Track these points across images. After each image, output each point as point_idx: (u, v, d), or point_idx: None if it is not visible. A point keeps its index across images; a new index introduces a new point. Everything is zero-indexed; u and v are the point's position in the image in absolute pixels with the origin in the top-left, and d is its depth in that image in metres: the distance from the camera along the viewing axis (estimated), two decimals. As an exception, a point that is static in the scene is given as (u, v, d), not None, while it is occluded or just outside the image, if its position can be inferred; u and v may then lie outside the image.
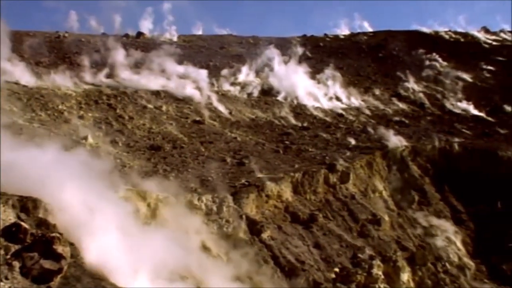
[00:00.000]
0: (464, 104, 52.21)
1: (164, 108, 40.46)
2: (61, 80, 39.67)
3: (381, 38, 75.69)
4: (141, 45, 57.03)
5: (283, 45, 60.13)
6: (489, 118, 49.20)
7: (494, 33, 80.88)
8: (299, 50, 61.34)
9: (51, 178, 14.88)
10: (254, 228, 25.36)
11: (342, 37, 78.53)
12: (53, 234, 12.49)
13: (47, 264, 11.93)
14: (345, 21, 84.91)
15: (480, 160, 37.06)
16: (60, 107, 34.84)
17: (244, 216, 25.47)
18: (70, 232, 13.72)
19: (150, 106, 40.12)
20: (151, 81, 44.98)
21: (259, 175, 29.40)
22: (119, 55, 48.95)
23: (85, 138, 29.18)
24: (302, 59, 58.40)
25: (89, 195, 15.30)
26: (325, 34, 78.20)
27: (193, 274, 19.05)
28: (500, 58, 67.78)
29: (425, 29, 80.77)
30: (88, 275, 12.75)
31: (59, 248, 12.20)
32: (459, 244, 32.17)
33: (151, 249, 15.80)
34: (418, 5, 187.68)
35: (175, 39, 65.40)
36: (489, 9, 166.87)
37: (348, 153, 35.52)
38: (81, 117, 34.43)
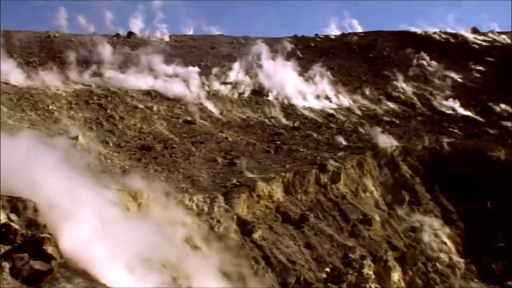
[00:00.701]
0: (454, 104, 52.45)
1: (155, 108, 40.37)
2: (51, 80, 39.46)
3: (371, 39, 75.94)
4: (132, 45, 56.83)
5: (274, 45, 60.13)
6: (479, 118, 49.48)
7: (483, 34, 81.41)
8: (290, 50, 61.41)
9: (40, 178, 14.81)
10: (245, 228, 25.37)
11: (333, 37, 78.67)
12: (43, 235, 12.46)
13: (37, 264, 11.89)
14: (335, 19, 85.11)
15: (470, 160, 37.25)
16: (50, 107, 34.66)
17: (235, 216, 25.47)
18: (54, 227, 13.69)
19: (141, 106, 40.02)
20: (141, 81, 44.88)
21: (250, 175, 29.40)
22: (109, 55, 48.80)
23: (76, 138, 29.06)
24: (293, 59, 58.47)
25: (78, 194, 15.26)
26: (316, 35, 78.33)
27: (173, 265, 19.02)
28: (490, 59, 68.20)
29: (416, 30, 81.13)
30: (78, 275, 12.70)
31: (49, 249, 12.16)
32: (449, 243, 32.31)
33: (131, 239, 15.74)
34: (406, 4, 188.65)
35: (166, 39, 65.24)
36: (476, 8, 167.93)
37: (339, 153, 35.60)
38: (71, 117, 34.26)
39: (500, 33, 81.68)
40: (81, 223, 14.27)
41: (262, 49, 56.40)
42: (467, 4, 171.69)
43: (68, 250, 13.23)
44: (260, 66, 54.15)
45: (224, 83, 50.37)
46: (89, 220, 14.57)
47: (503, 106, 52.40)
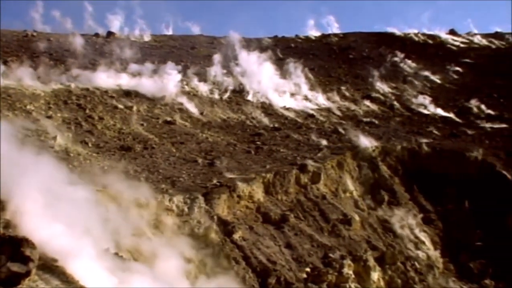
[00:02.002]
0: (432, 105, 52.98)
1: (134, 108, 40.12)
2: (29, 79, 39.02)
3: (351, 40, 76.50)
4: (111, 45, 56.43)
5: (254, 46, 60.15)
6: (457, 119, 50.05)
7: (461, 36, 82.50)
8: (270, 50, 61.48)
9: (18, 180, 14.66)
10: (226, 228, 25.34)
11: (313, 38, 79.09)
12: (21, 237, 12.29)
13: (15, 267, 11.72)
14: (312, 17, 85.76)
15: (448, 161, 37.57)
16: (28, 107, 34.28)
17: (215, 217, 25.43)
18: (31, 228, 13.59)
19: (120, 106, 39.76)
20: (121, 81, 44.58)
21: (231, 175, 29.37)
22: (88, 55, 48.41)
23: (54, 138, 28.76)
24: (273, 60, 58.55)
25: (55, 195, 15.14)
26: (296, 35, 78.66)
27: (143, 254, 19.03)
28: (468, 60, 69.13)
29: (395, 31, 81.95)
30: (57, 278, 12.57)
31: (27, 251, 12.00)
32: (428, 243, 32.60)
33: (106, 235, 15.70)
34: (381, 4, 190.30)
35: (146, 38, 64.96)
36: (451, 7, 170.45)
37: (319, 154, 35.71)
38: (49, 118, 33.90)
39: (478, 34, 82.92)
40: (57, 223, 14.16)
41: (243, 49, 56.41)
42: (442, 3, 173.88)
43: (44, 250, 13.11)
44: (240, 67, 54.11)
45: (205, 84, 50.24)
46: (65, 220, 14.45)
47: (480, 107, 53.13)
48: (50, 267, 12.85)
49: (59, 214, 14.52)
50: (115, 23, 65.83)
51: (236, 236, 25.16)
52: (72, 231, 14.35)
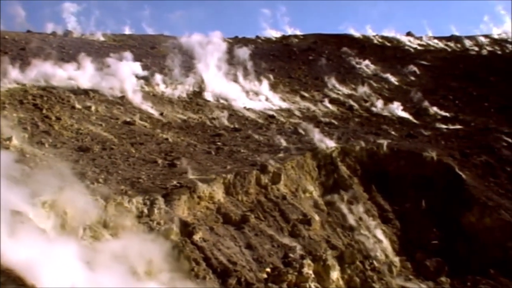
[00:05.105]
0: (390, 106, 53.90)
1: (93, 108, 39.51)
2: (-17, 79, 38.01)
3: (311, 41, 77.26)
4: (68, 44, 55.51)
5: (215, 46, 60.04)
6: (414, 120, 51.10)
7: (418, 38, 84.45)
8: (231, 51, 61.50)
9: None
10: (186, 230, 25.17)
11: (273, 39, 79.62)
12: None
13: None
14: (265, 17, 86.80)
15: (406, 161, 38.23)
16: (-18, 107, 33.39)
17: (175, 218, 25.22)
18: None
19: (78, 106, 39.10)
20: (79, 81, 43.87)
21: (191, 176, 29.21)
22: (45, 54, 47.47)
23: (9, 139, 28.06)
24: (233, 61, 58.61)
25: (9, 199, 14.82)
26: (257, 36, 79.04)
27: None
28: (424, 62, 70.72)
29: (354, 33, 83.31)
30: (12, 281, 12.30)
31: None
32: (385, 242, 33.11)
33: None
34: (332, 5, 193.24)
35: (104, 38, 64.13)
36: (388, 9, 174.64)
37: (279, 154, 35.87)
38: (5, 117, 33.04)
39: (434, 37, 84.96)
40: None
41: (203, 49, 56.21)
42: (380, 4, 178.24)
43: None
44: (200, 67, 53.94)
45: (165, 84, 49.90)
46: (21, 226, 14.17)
47: (436, 108, 54.43)
48: (5, 270, 12.56)
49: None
50: (73, 22, 64.81)
51: (197, 237, 25.02)
52: None
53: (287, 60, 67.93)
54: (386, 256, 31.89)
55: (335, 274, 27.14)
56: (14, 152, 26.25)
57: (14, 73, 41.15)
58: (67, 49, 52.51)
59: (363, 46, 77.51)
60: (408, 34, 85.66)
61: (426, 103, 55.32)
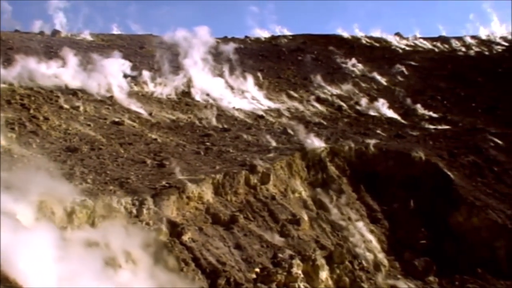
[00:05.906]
0: (379, 107, 54.12)
1: (81, 108, 39.32)
2: (-30, 78, 37.72)
3: (300, 42, 77.42)
4: (56, 43, 55.19)
5: (204, 46, 59.95)
6: (403, 121, 51.35)
7: (407, 39, 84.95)
8: (220, 51, 61.47)
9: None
10: (175, 230, 25.10)
11: (263, 39, 79.71)
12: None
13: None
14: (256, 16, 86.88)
15: (394, 161, 38.34)
16: (-32, 107, 33.12)
17: (164, 219, 25.16)
18: None
19: (66, 106, 38.89)
20: (67, 81, 43.64)
21: (180, 176, 29.13)
22: (33, 53, 47.17)
23: (-4, 139, 27.89)
24: (222, 61, 58.57)
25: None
26: (246, 36, 79.06)
27: None
28: (413, 63, 71.10)
29: (343, 33, 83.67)
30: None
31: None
32: (374, 242, 33.22)
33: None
34: (320, 4, 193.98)
35: (93, 38, 63.83)
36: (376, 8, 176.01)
37: (269, 154, 35.88)
38: (-9, 118, 32.82)
39: (422, 38, 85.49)
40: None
41: (192, 49, 56.09)
42: (366, 4, 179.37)
43: None
44: (189, 67, 53.83)
45: (154, 84, 49.78)
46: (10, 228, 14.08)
47: (424, 108, 54.74)
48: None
49: None
50: (61, 19, 64.46)
51: (186, 237, 24.96)
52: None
53: (276, 60, 67.99)
54: (375, 255, 31.98)
55: (324, 274, 27.19)
56: (1, 152, 26.06)
57: (1, 72, 40.83)
58: (55, 49, 52.18)
59: (352, 47, 77.80)
60: (397, 34, 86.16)
61: (414, 104, 55.60)
